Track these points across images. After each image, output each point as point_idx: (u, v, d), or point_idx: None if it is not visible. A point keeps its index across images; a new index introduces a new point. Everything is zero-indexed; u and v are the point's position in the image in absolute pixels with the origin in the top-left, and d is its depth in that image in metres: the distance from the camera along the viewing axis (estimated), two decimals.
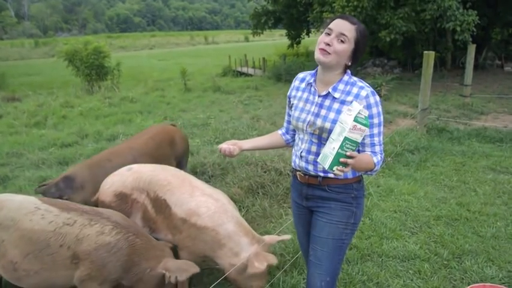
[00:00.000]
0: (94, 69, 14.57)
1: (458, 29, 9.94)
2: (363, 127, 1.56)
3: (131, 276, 2.31)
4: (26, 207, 2.36)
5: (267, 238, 2.50)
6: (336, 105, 1.77)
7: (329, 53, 1.70)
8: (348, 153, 1.57)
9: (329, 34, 1.71)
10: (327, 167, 1.60)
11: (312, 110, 1.82)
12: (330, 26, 1.72)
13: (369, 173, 1.80)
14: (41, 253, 2.26)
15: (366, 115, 1.60)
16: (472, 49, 8.01)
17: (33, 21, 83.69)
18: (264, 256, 2.33)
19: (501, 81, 11.53)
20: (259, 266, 2.26)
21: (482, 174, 4.67)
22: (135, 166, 2.90)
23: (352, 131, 1.56)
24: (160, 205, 2.61)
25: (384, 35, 10.79)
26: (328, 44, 1.69)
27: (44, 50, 42.18)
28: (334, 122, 1.73)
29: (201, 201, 2.52)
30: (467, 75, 7.99)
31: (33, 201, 2.42)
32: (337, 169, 1.58)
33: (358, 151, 1.82)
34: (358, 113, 1.57)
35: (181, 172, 2.86)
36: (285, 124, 2.13)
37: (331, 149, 1.61)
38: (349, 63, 1.76)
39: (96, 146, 6.26)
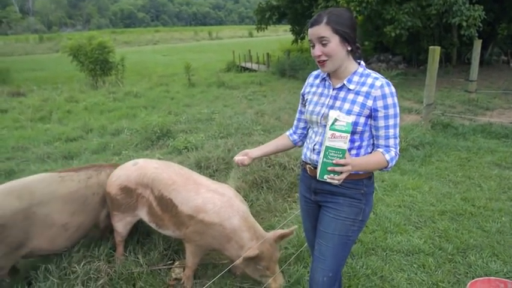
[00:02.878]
0: (98, 64, 14.61)
1: (464, 24, 9.85)
2: (343, 134, 1.56)
3: None
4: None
5: (271, 234, 2.48)
6: (350, 96, 1.77)
7: (324, 60, 1.73)
8: (334, 161, 1.58)
9: (313, 46, 1.74)
10: (318, 176, 1.62)
11: (327, 102, 1.82)
12: (309, 38, 1.75)
13: (384, 169, 1.81)
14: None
15: (349, 121, 1.60)
16: (478, 44, 7.95)
17: (37, 17, 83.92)
18: (250, 251, 2.34)
19: (507, 77, 11.45)
20: (239, 260, 2.35)
21: (487, 170, 4.65)
22: (140, 161, 2.93)
23: (331, 140, 1.57)
24: (167, 204, 2.64)
25: (389, 30, 10.73)
26: (318, 55, 1.72)
27: (48, 45, 42.36)
28: (348, 112, 1.74)
29: (207, 198, 2.54)
30: (473, 71, 7.93)
31: None
32: (328, 177, 1.61)
33: (373, 144, 1.84)
34: (336, 120, 1.58)
35: (185, 169, 2.88)
36: (295, 122, 2.13)
37: (319, 158, 1.63)
38: (349, 48, 1.74)
39: (100, 141, 6.29)
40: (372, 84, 1.74)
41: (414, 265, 2.88)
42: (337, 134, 1.56)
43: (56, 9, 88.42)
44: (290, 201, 3.90)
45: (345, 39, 1.71)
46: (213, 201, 2.52)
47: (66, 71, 18.92)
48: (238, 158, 2.05)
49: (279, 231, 2.48)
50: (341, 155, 1.58)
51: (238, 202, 2.61)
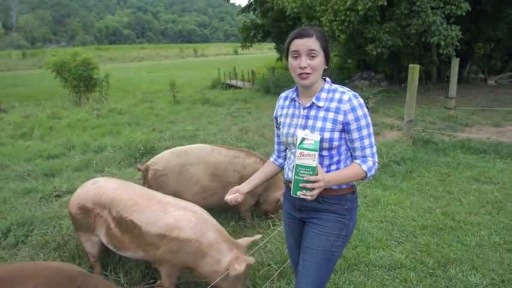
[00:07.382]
0: (82, 81, 14.49)
1: (442, 43, 10.19)
2: (311, 152, 1.62)
3: None
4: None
5: (242, 241, 2.58)
6: (321, 114, 1.79)
7: (309, 74, 1.74)
8: (304, 178, 1.62)
9: (297, 56, 1.74)
10: (291, 193, 1.67)
11: (299, 123, 1.84)
12: (294, 48, 1.74)
13: (365, 179, 1.83)
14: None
15: (317, 139, 1.65)
16: (455, 63, 8.19)
17: (21, 33, 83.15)
18: (243, 258, 2.41)
19: (484, 94, 11.79)
20: (239, 267, 2.34)
21: (466, 185, 4.74)
22: (101, 180, 2.89)
23: (300, 158, 1.62)
24: (127, 225, 2.58)
25: (370, 48, 11.00)
26: (304, 67, 1.73)
27: (32, 61, 41.92)
28: (322, 130, 1.76)
29: (179, 215, 2.52)
30: (452, 88, 8.14)
31: None
32: (300, 194, 1.64)
33: (351, 156, 1.86)
34: (303, 139, 1.63)
35: (147, 190, 2.84)
36: (275, 147, 2.12)
37: (292, 176, 1.67)
38: (325, 68, 1.80)
39: (83, 158, 6.22)
40: (340, 99, 1.77)
41: (396, 280, 2.91)
42: (306, 152, 1.61)
43: (40, 25, 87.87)
44: (273, 218, 3.90)
45: (327, 57, 1.76)
46: (187, 217, 2.51)
47: (49, 88, 18.73)
48: (230, 197, 1.97)
49: (248, 239, 2.62)
50: (311, 172, 1.62)
51: (209, 217, 2.64)
